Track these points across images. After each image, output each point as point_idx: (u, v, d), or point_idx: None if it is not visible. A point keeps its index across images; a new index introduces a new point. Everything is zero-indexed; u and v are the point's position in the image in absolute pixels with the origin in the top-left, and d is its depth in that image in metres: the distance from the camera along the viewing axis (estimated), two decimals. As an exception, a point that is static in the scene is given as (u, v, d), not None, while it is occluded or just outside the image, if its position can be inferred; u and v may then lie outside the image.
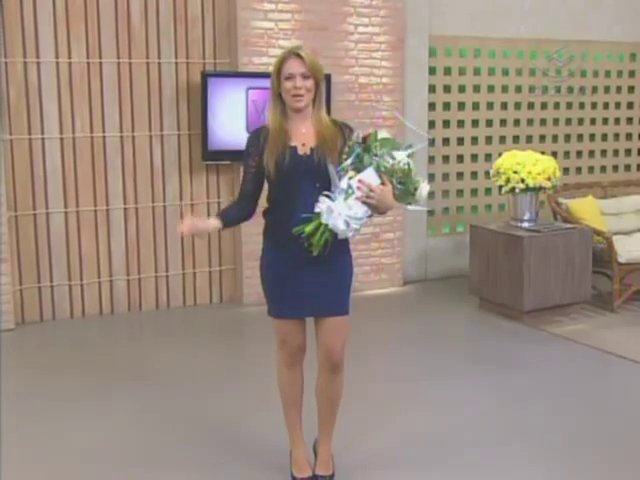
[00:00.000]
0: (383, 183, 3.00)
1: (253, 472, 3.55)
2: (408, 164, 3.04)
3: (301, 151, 3.14)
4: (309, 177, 3.10)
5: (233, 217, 3.28)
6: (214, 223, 3.17)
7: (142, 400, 4.40)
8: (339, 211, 2.95)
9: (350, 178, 2.99)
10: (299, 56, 3.10)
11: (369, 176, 2.98)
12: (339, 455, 3.53)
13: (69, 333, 5.72)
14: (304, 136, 3.16)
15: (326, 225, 2.98)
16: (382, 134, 3.06)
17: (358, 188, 2.97)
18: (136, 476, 3.55)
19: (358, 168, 3.01)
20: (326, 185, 3.07)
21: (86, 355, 5.20)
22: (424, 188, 3.10)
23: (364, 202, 2.98)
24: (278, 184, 3.13)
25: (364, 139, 3.06)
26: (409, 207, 3.16)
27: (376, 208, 3.03)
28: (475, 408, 4.31)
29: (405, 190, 3.06)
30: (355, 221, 2.98)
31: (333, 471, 3.43)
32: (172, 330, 5.83)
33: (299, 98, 3.10)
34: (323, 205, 2.98)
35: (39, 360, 5.10)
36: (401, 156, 3.03)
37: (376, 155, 3.00)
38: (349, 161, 3.02)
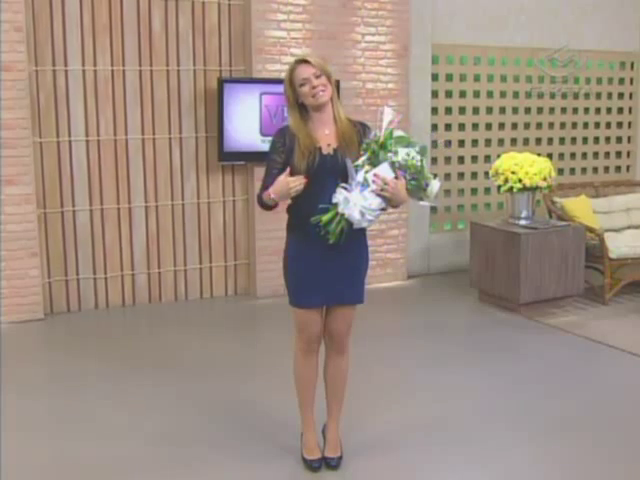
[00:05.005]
0: (397, 178, 3.02)
1: (267, 452, 3.55)
2: (421, 160, 3.06)
3: (325, 151, 3.16)
4: (332, 174, 3.11)
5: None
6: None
7: (163, 384, 4.40)
8: (355, 202, 2.97)
9: (366, 172, 3.01)
10: (306, 61, 3.13)
11: (384, 170, 3.01)
12: (345, 437, 3.52)
13: (94, 323, 5.73)
14: (328, 137, 3.18)
15: (342, 215, 3.00)
16: (397, 133, 3.08)
17: (374, 181, 2.99)
18: (156, 452, 3.55)
19: (373, 163, 3.02)
20: (346, 180, 3.08)
21: (111, 343, 5.20)
22: (435, 184, 3.13)
23: (379, 194, 2.99)
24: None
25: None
26: (420, 202, 3.19)
27: (390, 201, 3.04)
28: (474, 392, 4.30)
29: (417, 185, 3.09)
30: (369, 212, 3.00)
31: (341, 453, 3.43)
32: (190, 320, 5.83)
33: (321, 94, 3.11)
34: (340, 196, 3.00)
35: (67, 347, 5.10)
36: (414, 153, 3.05)
37: (391, 151, 3.01)
38: (365, 157, 3.04)
